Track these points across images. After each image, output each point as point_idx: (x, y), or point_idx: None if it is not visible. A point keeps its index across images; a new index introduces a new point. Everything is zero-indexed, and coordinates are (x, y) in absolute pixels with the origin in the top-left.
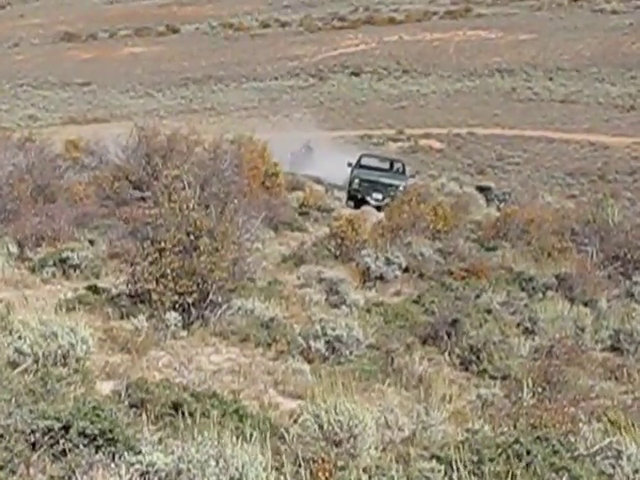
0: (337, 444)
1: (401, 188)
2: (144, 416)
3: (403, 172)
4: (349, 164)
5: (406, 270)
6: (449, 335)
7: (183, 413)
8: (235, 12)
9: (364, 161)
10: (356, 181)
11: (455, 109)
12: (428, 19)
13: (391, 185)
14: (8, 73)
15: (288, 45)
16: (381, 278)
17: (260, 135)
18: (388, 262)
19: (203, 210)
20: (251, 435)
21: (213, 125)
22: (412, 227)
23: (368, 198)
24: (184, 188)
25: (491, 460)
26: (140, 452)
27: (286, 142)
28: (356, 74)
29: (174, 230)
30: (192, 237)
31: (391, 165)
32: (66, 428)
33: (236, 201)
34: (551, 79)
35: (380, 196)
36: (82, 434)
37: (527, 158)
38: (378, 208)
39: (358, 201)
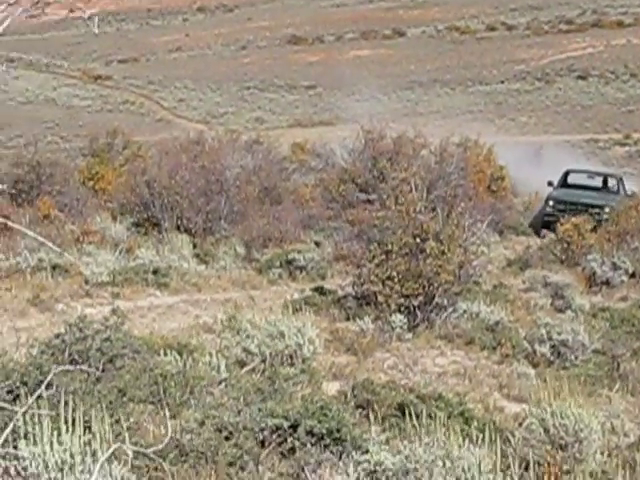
0: (562, 448)
1: (607, 210)
2: (371, 416)
3: (618, 190)
4: (549, 183)
5: (633, 275)
6: None
7: (409, 414)
8: (461, 15)
9: (571, 178)
10: (550, 203)
11: None
12: None
13: (596, 206)
14: (235, 76)
15: (514, 48)
16: (607, 283)
17: (485, 139)
18: (614, 267)
19: (430, 213)
20: (477, 437)
21: (438, 128)
22: (639, 232)
23: None
24: (411, 191)
25: None
26: (367, 451)
27: (512, 146)
28: (583, 78)
29: (401, 233)
30: (418, 240)
31: (605, 181)
32: (294, 427)
33: (462, 204)
34: None
35: None
36: (310, 433)
37: None
38: None
39: (553, 229)
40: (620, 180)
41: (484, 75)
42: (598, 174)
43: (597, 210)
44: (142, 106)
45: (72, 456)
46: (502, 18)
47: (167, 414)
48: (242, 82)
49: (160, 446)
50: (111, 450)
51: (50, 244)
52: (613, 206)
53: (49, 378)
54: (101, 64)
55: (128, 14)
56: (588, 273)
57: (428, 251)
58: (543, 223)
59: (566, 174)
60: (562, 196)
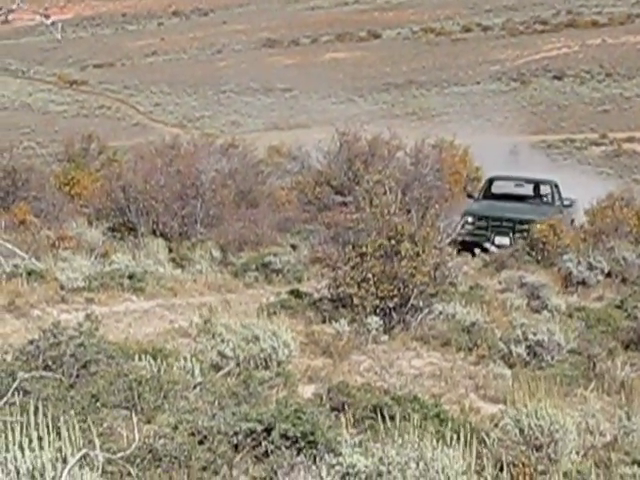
0: (538, 448)
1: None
2: (344, 419)
3: (553, 199)
4: (469, 195)
5: (608, 275)
6: None
7: (384, 416)
8: (436, 17)
9: (496, 187)
10: (469, 220)
11: None
12: (632, 22)
13: (524, 222)
14: (211, 79)
15: (490, 49)
16: (583, 283)
17: (461, 139)
18: (590, 267)
19: (404, 215)
20: (451, 439)
21: (414, 130)
22: (615, 231)
23: (487, 245)
24: (385, 193)
25: None
26: (341, 454)
27: (488, 146)
28: (558, 78)
29: (375, 235)
30: (393, 242)
31: (536, 189)
32: (268, 430)
33: (437, 206)
34: None
35: (506, 240)
36: (284, 436)
37: None
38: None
39: (471, 250)
40: (555, 187)
41: (460, 76)
42: (528, 181)
43: (526, 227)
44: (118, 111)
45: (43, 462)
46: (477, 19)
47: (137, 419)
48: (218, 86)
49: (128, 451)
50: (79, 455)
51: (18, 250)
52: (548, 219)
53: (16, 384)
54: (76, 69)
55: (103, 19)
56: (564, 273)
57: (403, 253)
58: (460, 244)
59: (490, 182)
60: (483, 210)
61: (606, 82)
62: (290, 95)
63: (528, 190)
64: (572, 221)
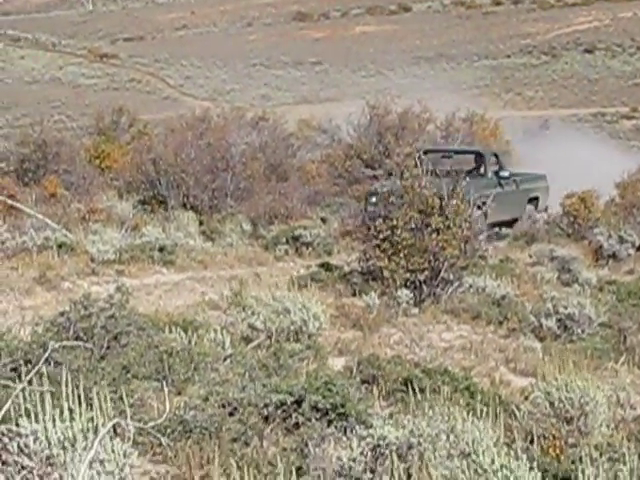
0: (568, 421)
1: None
2: (375, 391)
3: (485, 172)
4: (390, 173)
5: (639, 248)
6: None
7: (414, 389)
8: None
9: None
10: (372, 200)
11: None
12: None
13: None
14: (241, 53)
15: (520, 22)
16: (614, 256)
17: (492, 113)
18: (621, 240)
19: (435, 188)
20: (482, 411)
21: (445, 103)
22: None
23: None
24: (416, 165)
25: None
26: (371, 426)
27: (518, 120)
28: (589, 51)
29: (406, 208)
30: (424, 215)
31: (477, 163)
32: (299, 402)
33: (468, 179)
34: None
35: None
36: (314, 408)
37: None
38: None
39: None
40: (492, 158)
41: (490, 50)
42: (457, 152)
43: None
44: (148, 84)
45: (74, 433)
46: None
47: (167, 391)
48: (248, 59)
49: (159, 421)
50: (110, 424)
51: (49, 222)
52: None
53: (47, 354)
54: (107, 43)
55: None
56: (595, 247)
57: (433, 226)
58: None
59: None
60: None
61: (637, 55)
62: (320, 68)
63: (459, 162)
64: (533, 199)
